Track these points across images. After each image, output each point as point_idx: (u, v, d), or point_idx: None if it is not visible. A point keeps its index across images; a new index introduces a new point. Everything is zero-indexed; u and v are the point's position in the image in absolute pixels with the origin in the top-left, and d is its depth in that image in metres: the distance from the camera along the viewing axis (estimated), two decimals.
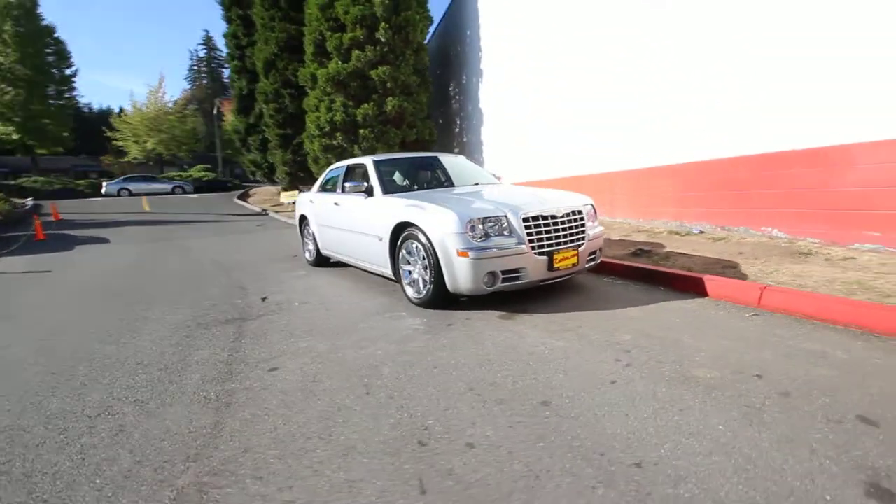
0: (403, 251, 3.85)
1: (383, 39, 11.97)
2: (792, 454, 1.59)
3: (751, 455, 1.59)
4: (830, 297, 2.89)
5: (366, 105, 12.18)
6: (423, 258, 3.62)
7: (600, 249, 4.02)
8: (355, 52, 12.05)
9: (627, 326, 2.95)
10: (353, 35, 12.16)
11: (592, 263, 3.91)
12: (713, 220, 5.61)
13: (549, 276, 3.54)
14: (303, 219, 6.22)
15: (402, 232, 3.84)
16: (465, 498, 1.46)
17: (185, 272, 6.19)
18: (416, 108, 12.83)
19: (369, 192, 4.44)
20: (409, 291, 3.82)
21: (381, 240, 4.13)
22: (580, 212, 3.75)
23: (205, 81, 54.79)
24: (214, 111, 31.39)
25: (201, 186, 27.67)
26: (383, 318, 3.52)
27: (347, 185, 4.52)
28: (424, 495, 1.48)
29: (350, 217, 4.72)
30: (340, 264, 5.87)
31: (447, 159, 5.22)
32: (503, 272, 3.34)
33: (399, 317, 3.51)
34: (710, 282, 3.52)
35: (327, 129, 12.53)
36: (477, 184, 4.79)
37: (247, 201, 21.07)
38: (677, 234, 5.86)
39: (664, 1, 5.95)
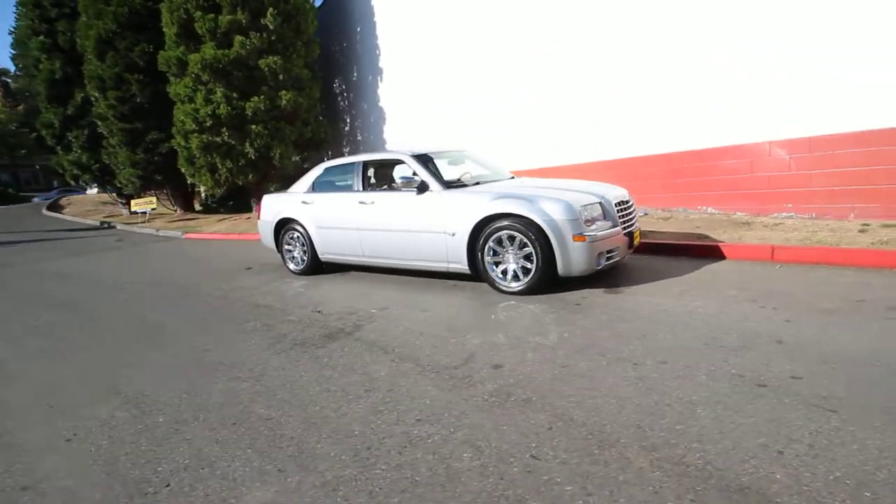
0: (491, 243, 3.91)
1: (271, 26, 10.94)
2: None
3: None
4: (826, 248, 4.08)
5: (255, 98, 10.99)
6: (522, 247, 3.77)
7: None
8: (238, 38, 10.77)
9: (720, 286, 3.66)
10: (232, 18, 10.83)
11: None
12: (652, 203, 6.90)
13: (628, 253, 4.07)
14: (283, 224, 5.53)
15: (487, 225, 3.90)
16: (867, 406, 1.86)
17: (125, 301, 4.93)
18: (310, 104, 12.09)
19: (422, 188, 4.32)
20: (503, 282, 3.90)
21: (453, 235, 4.10)
22: (630, 197, 4.38)
23: None
24: None
25: None
26: (501, 308, 3.57)
27: (399, 180, 4.30)
28: (837, 413, 1.83)
29: (394, 215, 4.49)
30: (337, 269, 5.44)
31: (470, 154, 5.27)
32: (606, 252, 3.75)
33: (515, 306, 3.60)
34: (727, 247, 4.51)
35: (209, 123, 10.91)
36: (513, 177, 5.03)
37: (61, 213, 16.66)
38: None
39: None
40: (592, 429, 1.88)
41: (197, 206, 15.41)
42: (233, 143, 11.22)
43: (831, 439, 1.68)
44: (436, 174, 4.40)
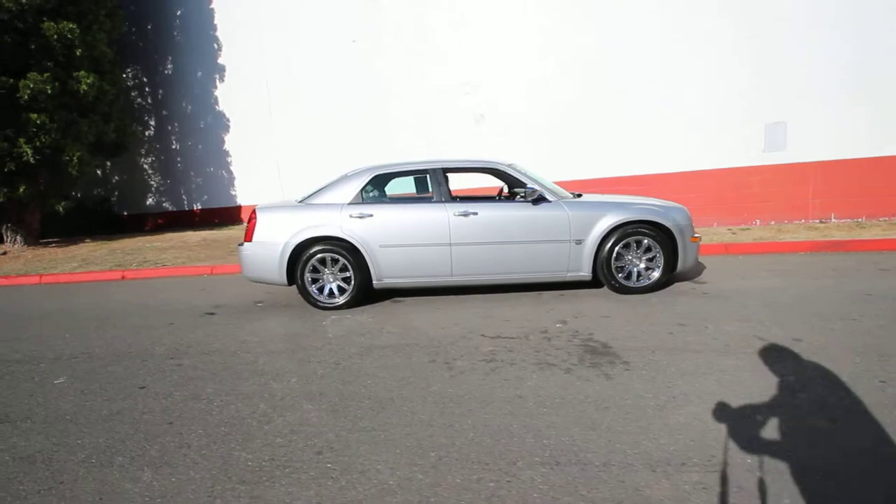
0: (619, 248, 4.16)
1: None
2: None
3: None
4: (767, 242, 5.95)
5: (34, 75, 7.53)
6: (647, 251, 4.21)
7: None
8: None
9: (749, 272, 4.92)
10: None
11: None
12: None
13: None
14: (308, 245, 4.22)
15: (613, 232, 4.16)
16: None
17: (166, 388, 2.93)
18: (115, 94, 9.05)
19: (539, 199, 4.19)
20: (629, 282, 4.21)
21: (578, 243, 4.16)
22: None
23: None
24: None
25: None
26: (660, 304, 3.88)
27: (523, 189, 4.05)
28: None
29: (508, 228, 4.16)
30: (375, 298, 4.51)
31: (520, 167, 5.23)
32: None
33: (668, 301, 3.97)
34: None
35: None
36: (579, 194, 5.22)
37: None
38: None
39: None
40: None
41: None
42: None
43: None
44: (548, 186, 4.35)
